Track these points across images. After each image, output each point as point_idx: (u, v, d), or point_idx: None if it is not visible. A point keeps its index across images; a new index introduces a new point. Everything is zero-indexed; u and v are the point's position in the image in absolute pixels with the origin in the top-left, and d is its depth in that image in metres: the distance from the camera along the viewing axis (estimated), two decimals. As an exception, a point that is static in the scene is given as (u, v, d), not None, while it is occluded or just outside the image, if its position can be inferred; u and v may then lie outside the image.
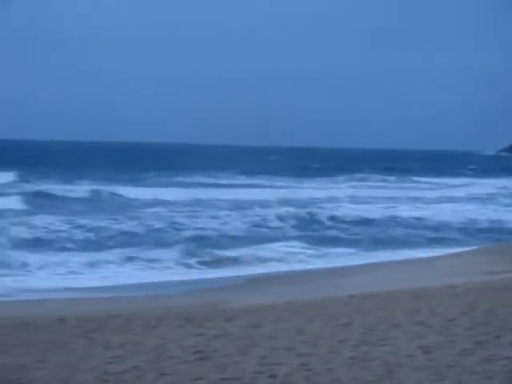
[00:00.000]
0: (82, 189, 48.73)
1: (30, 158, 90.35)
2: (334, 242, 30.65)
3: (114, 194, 47.46)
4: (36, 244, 26.62)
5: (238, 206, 42.98)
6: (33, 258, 23.65)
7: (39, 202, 40.38)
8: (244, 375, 9.59)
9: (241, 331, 12.61)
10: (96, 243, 27.93)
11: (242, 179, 70.64)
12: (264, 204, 44.74)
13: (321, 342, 11.39)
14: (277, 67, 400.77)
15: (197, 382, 9.32)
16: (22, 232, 28.85)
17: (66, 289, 19.75)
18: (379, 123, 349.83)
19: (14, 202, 38.09)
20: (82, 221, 32.50)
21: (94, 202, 43.22)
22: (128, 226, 32.43)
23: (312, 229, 35.45)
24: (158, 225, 32.94)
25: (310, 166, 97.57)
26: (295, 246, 28.67)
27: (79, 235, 29.10)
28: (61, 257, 24.46)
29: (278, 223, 35.98)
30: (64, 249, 26.12)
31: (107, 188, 49.14)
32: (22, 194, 42.54)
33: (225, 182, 67.12)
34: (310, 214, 39.52)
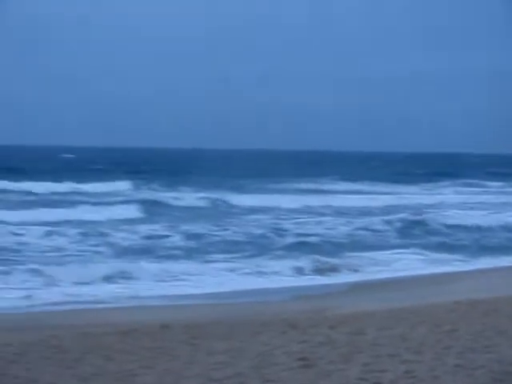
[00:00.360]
0: (189, 196, 49.04)
1: (137, 165, 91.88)
2: (441, 247, 30.12)
3: (219, 200, 47.49)
4: (142, 251, 27.18)
5: (343, 212, 42.90)
6: (139, 265, 24.28)
7: (151, 209, 40.87)
8: (348, 382, 9.59)
9: (344, 338, 12.57)
10: (201, 250, 28.15)
11: (345, 185, 69.59)
12: (369, 210, 44.61)
13: (425, 349, 11.34)
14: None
15: None
16: (130, 239, 29.46)
17: (171, 296, 19.92)
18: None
19: (128, 211, 38.87)
20: (187, 227, 32.74)
21: (202, 210, 43.43)
22: (233, 232, 32.58)
23: (419, 235, 35.04)
24: (262, 231, 32.81)
25: (413, 172, 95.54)
26: (401, 253, 28.36)
27: (185, 242, 29.38)
28: (165, 264, 25.01)
29: (384, 229, 35.51)
30: (169, 256, 26.55)
31: (213, 195, 49.16)
32: (134, 201, 43.45)
33: (327, 187, 66.44)
34: (416, 220, 39.19)
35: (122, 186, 57.42)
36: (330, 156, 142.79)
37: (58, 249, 26.86)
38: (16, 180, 54.99)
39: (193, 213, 40.93)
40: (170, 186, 57.45)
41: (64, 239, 28.59)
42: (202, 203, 46.15)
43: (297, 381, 9.71)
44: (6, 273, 21.45)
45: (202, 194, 49.73)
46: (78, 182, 56.29)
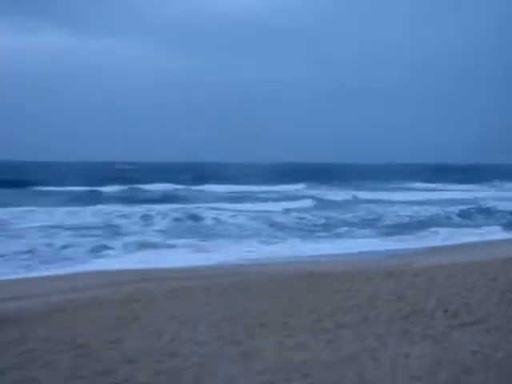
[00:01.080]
0: (335, 194, 54.94)
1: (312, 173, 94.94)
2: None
3: (356, 196, 52.76)
4: (305, 229, 30.06)
5: (437, 202, 46.26)
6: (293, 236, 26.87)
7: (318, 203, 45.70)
8: (427, 309, 10.87)
9: (423, 282, 13.60)
10: (335, 225, 31.23)
11: (425, 185, 71.61)
12: (449, 201, 47.39)
13: (476, 289, 12.44)
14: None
15: (398, 313, 10.70)
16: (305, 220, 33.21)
17: (316, 255, 21.56)
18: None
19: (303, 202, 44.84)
20: (332, 214, 36.31)
21: (342, 202, 47.82)
22: (354, 216, 35.96)
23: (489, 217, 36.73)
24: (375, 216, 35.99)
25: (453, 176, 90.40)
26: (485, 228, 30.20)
27: (327, 221, 32.77)
28: (311, 234, 27.73)
29: (465, 213, 38.25)
30: (314, 230, 29.49)
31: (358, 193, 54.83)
32: (306, 197, 49.36)
33: (417, 186, 69.93)
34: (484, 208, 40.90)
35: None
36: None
37: (240, 225, 30.48)
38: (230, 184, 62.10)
39: (335, 204, 45.09)
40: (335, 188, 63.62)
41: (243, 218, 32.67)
42: (340, 198, 51.02)
43: (394, 307, 11.01)
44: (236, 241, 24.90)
45: (342, 192, 55.81)
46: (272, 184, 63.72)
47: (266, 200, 46.83)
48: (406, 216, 36.32)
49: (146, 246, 23.32)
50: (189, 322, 10.55)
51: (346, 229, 29.49)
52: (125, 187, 57.01)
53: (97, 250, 22.21)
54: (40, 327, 10.38)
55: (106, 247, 22.84)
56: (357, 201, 48.89)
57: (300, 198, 49.41)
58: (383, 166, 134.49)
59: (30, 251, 21.29)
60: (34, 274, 17.59)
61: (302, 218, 34.16)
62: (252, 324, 10.26)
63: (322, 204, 45.23)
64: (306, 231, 29.27)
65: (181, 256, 21.16)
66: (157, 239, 25.18)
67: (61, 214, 33.69)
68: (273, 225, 31.34)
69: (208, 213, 35.23)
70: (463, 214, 37.84)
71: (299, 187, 65.17)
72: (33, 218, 31.99)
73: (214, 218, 32.94)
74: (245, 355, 8.56)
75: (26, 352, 8.82)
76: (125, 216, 33.45)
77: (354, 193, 54.73)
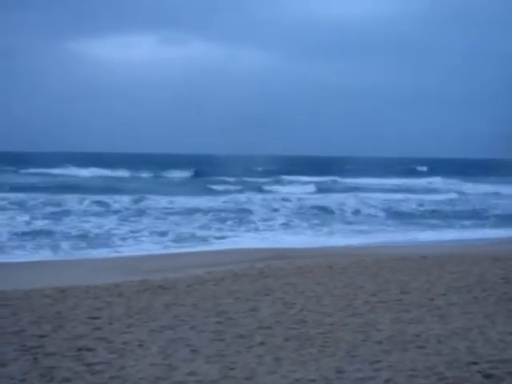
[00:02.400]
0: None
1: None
2: None
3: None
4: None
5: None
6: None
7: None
8: None
9: None
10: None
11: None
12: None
13: None
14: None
15: (505, 295, 10.57)
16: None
17: (425, 242, 20.74)
18: None
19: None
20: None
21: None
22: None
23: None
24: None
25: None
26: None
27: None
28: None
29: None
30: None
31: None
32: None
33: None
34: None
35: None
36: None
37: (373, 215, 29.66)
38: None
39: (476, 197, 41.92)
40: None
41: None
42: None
43: (501, 290, 10.93)
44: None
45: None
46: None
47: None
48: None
49: (280, 229, 23.67)
50: (314, 295, 10.74)
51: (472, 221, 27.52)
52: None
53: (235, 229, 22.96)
54: (188, 295, 10.83)
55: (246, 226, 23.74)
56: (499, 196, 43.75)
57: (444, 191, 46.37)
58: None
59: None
60: (182, 250, 18.24)
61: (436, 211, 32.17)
62: (370, 300, 10.35)
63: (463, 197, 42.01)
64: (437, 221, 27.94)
65: (309, 238, 21.38)
66: (291, 223, 25.30)
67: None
68: (398, 214, 30.27)
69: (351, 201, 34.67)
70: None
71: (435, 180, 61.09)
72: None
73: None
74: (365, 326, 8.67)
75: (178, 315, 9.25)
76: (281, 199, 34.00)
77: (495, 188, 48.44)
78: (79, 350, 7.46)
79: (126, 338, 7.95)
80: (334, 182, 56.09)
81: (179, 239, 20.24)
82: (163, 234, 21.16)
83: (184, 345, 7.72)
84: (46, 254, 17.05)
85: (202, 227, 23.16)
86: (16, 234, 19.93)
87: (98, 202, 29.88)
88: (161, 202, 31.51)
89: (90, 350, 7.46)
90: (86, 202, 29.85)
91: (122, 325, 8.65)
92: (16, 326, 8.53)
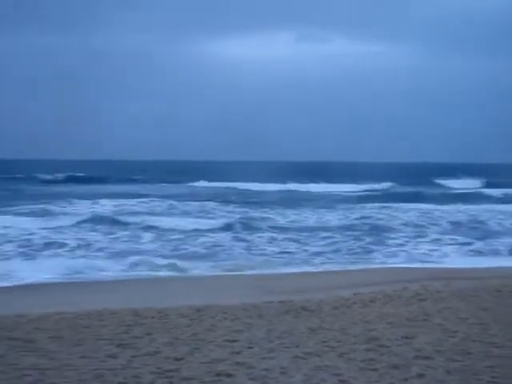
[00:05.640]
0: None
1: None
2: None
3: None
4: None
5: None
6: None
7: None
8: None
9: None
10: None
11: None
12: None
13: None
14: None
15: None
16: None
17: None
18: None
19: None
20: None
21: None
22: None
23: None
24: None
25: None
26: None
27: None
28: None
29: None
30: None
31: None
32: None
33: None
34: None
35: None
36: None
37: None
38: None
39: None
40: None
41: None
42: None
43: None
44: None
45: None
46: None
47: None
48: None
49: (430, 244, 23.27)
50: (479, 323, 10.25)
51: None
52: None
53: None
54: (334, 319, 10.66)
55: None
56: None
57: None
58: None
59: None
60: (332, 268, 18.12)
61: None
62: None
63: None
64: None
65: (461, 257, 20.73)
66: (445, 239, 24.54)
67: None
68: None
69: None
70: None
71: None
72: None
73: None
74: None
75: (324, 341, 9.09)
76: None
77: None
78: (218, 375, 7.48)
79: (268, 364, 7.89)
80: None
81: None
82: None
83: (331, 374, 7.55)
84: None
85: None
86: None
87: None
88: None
89: (229, 375, 7.45)
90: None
91: (263, 349, 8.61)
92: (151, 347, 8.71)
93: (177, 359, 8.10)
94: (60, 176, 69.32)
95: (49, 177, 68.44)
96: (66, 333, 9.68)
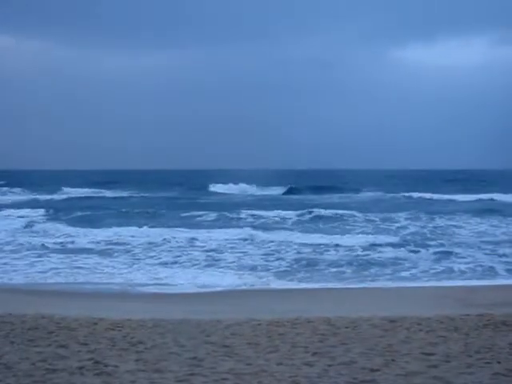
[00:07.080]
0: None
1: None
2: None
3: None
4: None
5: None
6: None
7: None
8: None
9: None
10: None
11: None
12: None
13: None
14: None
15: None
16: None
17: None
18: None
19: None
20: None
21: None
22: None
23: None
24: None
25: None
26: None
27: None
28: None
29: None
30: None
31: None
32: None
33: None
34: None
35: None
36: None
37: None
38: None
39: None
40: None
41: None
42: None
43: None
44: None
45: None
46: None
47: None
48: None
49: None
50: None
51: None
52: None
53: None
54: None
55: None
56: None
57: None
58: None
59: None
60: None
61: None
62: None
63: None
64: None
65: None
66: None
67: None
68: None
69: None
70: None
71: None
72: None
73: None
74: None
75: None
76: None
77: None
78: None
79: (466, 380, 7.87)
80: None
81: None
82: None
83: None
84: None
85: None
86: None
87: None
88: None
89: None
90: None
91: (461, 364, 8.58)
92: (346, 357, 8.97)
93: (372, 370, 8.28)
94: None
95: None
96: (261, 339, 10.17)
